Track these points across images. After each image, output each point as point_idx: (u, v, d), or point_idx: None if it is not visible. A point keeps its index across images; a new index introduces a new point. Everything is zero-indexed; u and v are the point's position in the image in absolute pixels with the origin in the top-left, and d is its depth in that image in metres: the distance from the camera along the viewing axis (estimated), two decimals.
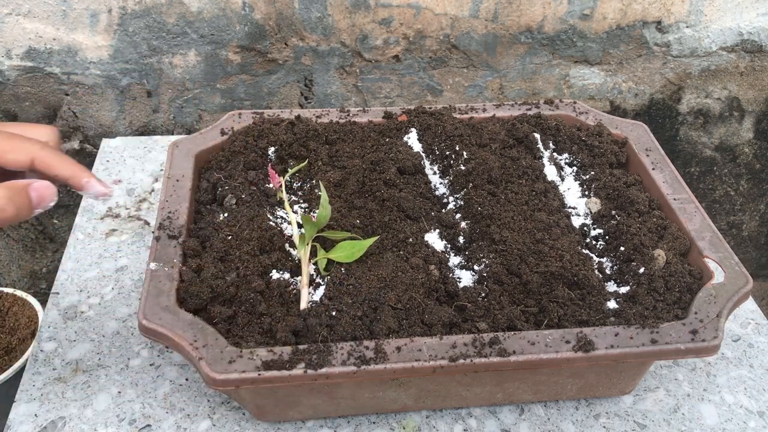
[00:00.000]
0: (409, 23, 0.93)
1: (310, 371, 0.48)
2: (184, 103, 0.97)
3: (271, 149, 0.70)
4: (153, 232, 0.59)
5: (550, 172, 0.71)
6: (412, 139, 0.72)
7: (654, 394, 0.62)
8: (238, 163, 0.67)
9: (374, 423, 0.58)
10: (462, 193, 0.66)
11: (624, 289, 0.59)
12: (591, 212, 0.66)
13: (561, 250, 0.60)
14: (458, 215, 0.65)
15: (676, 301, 0.56)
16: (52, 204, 0.49)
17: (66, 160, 0.50)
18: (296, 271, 0.58)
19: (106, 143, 0.89)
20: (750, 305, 0.71)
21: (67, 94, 0.95)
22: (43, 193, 0.48)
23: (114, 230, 0.76)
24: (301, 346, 0.50)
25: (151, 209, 0.79)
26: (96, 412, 0.58)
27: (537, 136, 0.73)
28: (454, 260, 0.61)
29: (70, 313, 0.67)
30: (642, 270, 0.58)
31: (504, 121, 0.75)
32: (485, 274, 0.58)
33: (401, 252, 0.59)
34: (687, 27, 0.98)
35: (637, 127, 0.75)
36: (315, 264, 0.58)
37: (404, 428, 0.58)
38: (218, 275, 0.55)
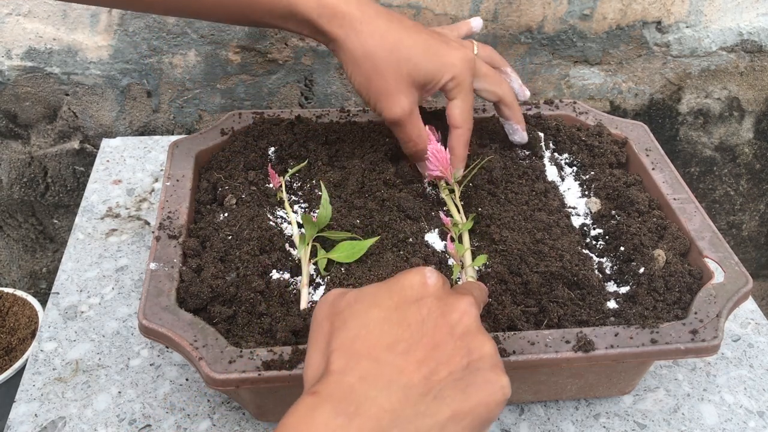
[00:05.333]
0: None
1: None
2: (184, 103, 0.97)
3: (271, 149, 0.70)
4: (153, 232, 0.59)
5: (551, 172, 0.71)
6: None
7: (654, 394, 0.62)
8: (238, 163, 0.67)
9: None
10: (462, 192, 0.66)
11: (624, 289, 0.59)
12: (591, 212, 0.66)
13: (561, 250, 0.60)
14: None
15: (676, 301, 0.56)
16: None
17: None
18: (296, 271, 0.58)
19: (106, 143, 0.89)
20: (750, 305, 0.71)
21: (67, 94, 0.95)
22: None
23: (114, 230, 0.76)
24: (301, 346, 0.50)
25: (151, 209, 0.79)
26: (96, 412, 0.58)
27: (541, 135, 0.73)
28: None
29: (70, 313, 0.67)
30: (642, 270, 0.58)
31: None
32: (485, 274, 0.58)
33: (401, 252, 0.59)
34: (687, 27, 0.98)
35: (637, 127, 0.75)
36: (315, 264, 0.58)
37: None
38: (218, 275, 0.55)
